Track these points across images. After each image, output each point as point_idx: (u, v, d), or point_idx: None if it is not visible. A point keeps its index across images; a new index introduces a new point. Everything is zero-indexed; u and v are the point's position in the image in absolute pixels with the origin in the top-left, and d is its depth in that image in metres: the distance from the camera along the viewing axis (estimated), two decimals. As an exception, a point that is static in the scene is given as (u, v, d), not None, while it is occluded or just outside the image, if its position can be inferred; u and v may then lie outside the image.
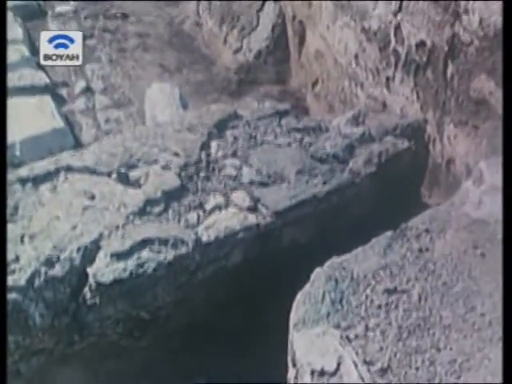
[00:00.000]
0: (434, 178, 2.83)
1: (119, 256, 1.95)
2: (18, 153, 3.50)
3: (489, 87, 2.41)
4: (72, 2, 5.36)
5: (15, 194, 2.16)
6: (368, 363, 1.50)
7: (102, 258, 1.95)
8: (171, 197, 2.16)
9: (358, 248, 1.83)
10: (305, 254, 2.06)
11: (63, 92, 4.18)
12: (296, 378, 1.60)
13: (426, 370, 1.49)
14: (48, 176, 2.22)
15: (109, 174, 2.23)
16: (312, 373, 1.53)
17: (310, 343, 1.57)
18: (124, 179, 2.21)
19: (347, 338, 1.56)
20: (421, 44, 2.80)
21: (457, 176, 2.70)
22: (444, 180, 2.81)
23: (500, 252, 1.68)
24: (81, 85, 4.24)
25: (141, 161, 2.30)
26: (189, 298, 2.09)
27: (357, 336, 1.57)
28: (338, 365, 1.51)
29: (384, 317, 1.62)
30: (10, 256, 1.92)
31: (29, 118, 3.71)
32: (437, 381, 1.47)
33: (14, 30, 4.76)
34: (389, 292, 1.67)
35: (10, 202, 2.12)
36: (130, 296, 1.96)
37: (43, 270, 1.91)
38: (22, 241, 1.99)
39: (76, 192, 2.16)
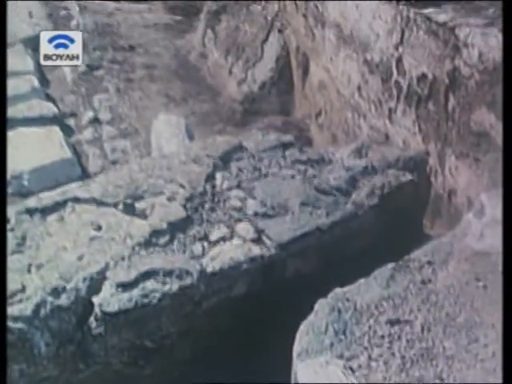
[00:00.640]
0: (436, 209, 2.84)
1: (125, 286, 1.97)
2: (26, 182, 3.55)
3: (489, 120, 2.45)
4: (81, 34, 5.45)
5: (23, 224, 2.19)
6: (371, 394, 1.52)
7: (107, 288, 1.97)
8: (176, 228, 2.19)
9: (360, 279, 1.85)
10: (308, 284, 2.08)
11: (71, 122, 4.24)
12: (300, 407, 1.61)
13: (429, 401, 1.50)
14: (56, 207, 2.26)
15: (115, 205, 2.26)
16: (316, 403, 1.54)
17: (314, 373, 1.58)
18: (130, 210, 2.24)
19: (350, 368, 1.57)
20: (422, 76, 2.84)
21: (458, 207, 2.72)
22: (446, 211, 2.82)
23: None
24: (88, 115, 4.30)
25: (147, 192, 2.33)
26: (193, 328, 2.10)
27: (360, 366, 1.58)
28: (342, 395, 1.53)
29: (387, 347, 1.63)
30: (16, 286, 1.94)
31: (37, 148, 3.76)
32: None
33: (25, 61, 4.84)
34: (392, 323, 1.69)
35: (18, 232, 2.15)
36: (135, 325, 1.98)
37: (49, 299, 1.93)
38: (28, 270, 2.01)
39: (83, 223, 2.19)
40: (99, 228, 2.16)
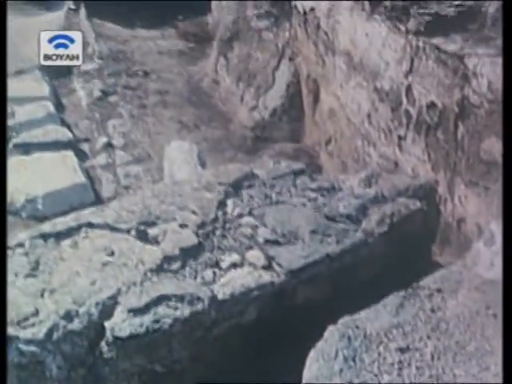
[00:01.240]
0: (445, 236, 2.84)
1: (136, 311, 1.99)
2: (40, 206, 3.60)
3: (499, 149, 2.45)
4: (97, 61, 5.56)
5: (37, 249, 2.23)
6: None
7: (119, 313, 1.99)
8: (188, 254, 2.21)
9: (370, 306, 1.86)
10: (318, 311, 2.09)
11: (85, 147, 4.31)
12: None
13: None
14: (70, 232, 2.29)
15: (128, 231, 2.30)
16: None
17: (324, 400, 1.58)
18: (143, 236, 2.28)
19: (360, 394, 1.58)
20: (431, 105, 2.87)
21: (468, 235, 2.72)
22: (455, 239, 2.82)
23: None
24: (102, 140, 4.37)
25: (159, 218, 2.36)
26: (204, 353, 2.11)
27: (370, 393, 1.58)
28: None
29: (397, 374, 1.63)
30: (30, 309, 1.97)
31: (52, 172, 3.83)
32: None
33: (41, 86, 4.95)
34: (401, 350, 1.69)
35: (32, 257, 2.19)
36: (146, 350, 1.99)
37: (62, 323, 1.95)
38: (42, 295, 2.04)
39: (96, 248, 2.22)
40: (112, 253, 2.19)
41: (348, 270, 2.31)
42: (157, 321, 1.97)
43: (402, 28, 3.02)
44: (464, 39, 2.78)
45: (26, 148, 4.08)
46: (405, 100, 3.06)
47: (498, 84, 2.41)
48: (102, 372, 1.99)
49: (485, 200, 2.58)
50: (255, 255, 2.22)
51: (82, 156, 4.16)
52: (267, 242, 2.28)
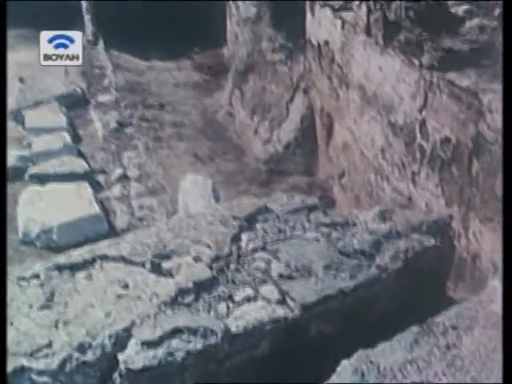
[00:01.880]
0: (460, 272, 2.83)
1: (150, 344, 1.99)
2: (55, 237, 3.63)
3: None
4: (114, 92, 5.64)
5: (52, 280, 2.25)
6: None
7: (132, 346, 2.00)
8: (202, 288, 2.22)
9: (384, 342, 1.85)
10: (331, 345, 2.09)
11: (101, 179, 4.36)
12: None
13: None
14: (84, 264, 2.31)
15: (143, 264, 2.31)
16: None
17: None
18: (157, 269, 2.29)
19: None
20: (445, 140, 2.87)
21: (482, 271, 2.70)
22: (469, 275, 2.81)
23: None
24: (117, 172, 4.42)
25: (174, 252, 2.38)
26: (216, 386, 2.11)
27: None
28: None
29: (411, 410, 1.62)
30: (44, 341, 1.98)
31: (67, 203, 3.87)
32: None
33: (59, 117, 5.03)
34: (416, 386, 1.68)
35: (47, 288, 2.21)
36: (159, 382, 1.99)
37: (75, 355, 1.96)
38: (56, 326, 2.05)
39: (110, 280, 2.24)
40: (126, 286, 2.21)
41: (362, 305, 2.30)
42: (170, 353, 1.98)
43: (416, 62, 3.05)
44: (478, 74, 2.79)
45: (42, 178, 4.13)
46: (419, 135, 3.08)
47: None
48: (115, 403, 1.99)
49: (500, 236, 2.57)
50: (269, 289, 2.22)
51: (97, 187, 4.21)
52: (281, 276, 2.29)
